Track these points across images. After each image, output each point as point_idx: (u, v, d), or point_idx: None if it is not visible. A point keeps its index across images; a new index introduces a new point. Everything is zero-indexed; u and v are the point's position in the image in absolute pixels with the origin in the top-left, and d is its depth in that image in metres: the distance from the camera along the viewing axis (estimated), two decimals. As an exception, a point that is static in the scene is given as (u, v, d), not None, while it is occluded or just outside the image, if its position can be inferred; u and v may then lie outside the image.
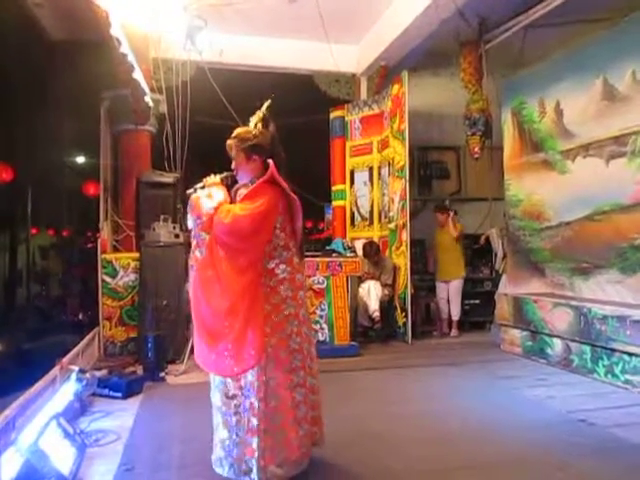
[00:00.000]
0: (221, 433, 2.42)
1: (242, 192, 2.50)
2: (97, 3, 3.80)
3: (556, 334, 4.71)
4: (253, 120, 2.59)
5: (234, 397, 2.37)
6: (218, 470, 2.43)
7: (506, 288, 6.09)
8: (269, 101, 2.64)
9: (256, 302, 2.33)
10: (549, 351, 4.80)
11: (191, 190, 2.54)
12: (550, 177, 5.19)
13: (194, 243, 2.48)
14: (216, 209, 2.37)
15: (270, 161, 2.45)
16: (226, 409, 2.40)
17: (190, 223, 2.47)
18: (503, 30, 6.00)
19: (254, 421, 2.31)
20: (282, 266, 2.44)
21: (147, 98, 5.35)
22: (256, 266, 2.37)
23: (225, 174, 2.57)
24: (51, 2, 5.61)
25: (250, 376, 2.33)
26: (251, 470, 2.31)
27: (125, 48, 4.33)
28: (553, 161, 5.15)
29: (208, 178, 2.55)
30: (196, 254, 2.46)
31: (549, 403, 3.63)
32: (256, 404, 2.32)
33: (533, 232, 5.46)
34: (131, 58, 4.57)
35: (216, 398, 2.47)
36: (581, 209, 4.80)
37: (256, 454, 2.29)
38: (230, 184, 2.58)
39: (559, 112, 5.04)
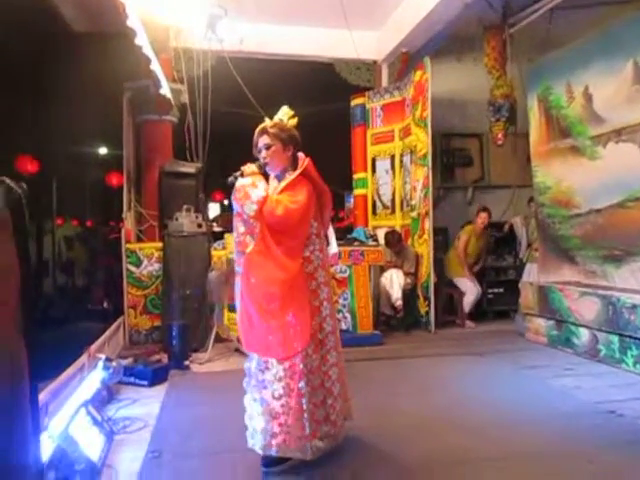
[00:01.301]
0: (265, 417, 2.45)
1: (273, 184, 2.58)
2: (116, -6, 3.80)
3: (583, 323, 4.64)
4: (284, 115, 2.64)
5: (280, 379, 2.44)
6: (268, 452, 2.44)
7: (531, 276, 6.01)
8: (286, 107, 2.69)
9: (304, 286, 2.51)
10: (575, 341, 4.72)
11: (231, 178, 2.57)
12: (579, 163, 5.08)
13: (242, 229, 2.52)
14: (265, 198, 2.44)
15: (302, 154, 2.58)
16: (272, 392, 2.44)
17: (237, 208, 2.52)
18: (528, 13, 5.86)
19: (302, 401, 2.42)
20: (316, 253, 2.59)
21: (163, 90, 5.34)
22: (302, 253, 2.53)
23: (258, 163, 2.59)
24: (73, -7, 5.65)
25: (295, 358, 2.44)
26: (303, 447, 2.42)
27: (141, 40, 4.32)
28: (582, 147, 5.03)
29: (246, 167, 2.58)
30: (246, 239, 2.51)
31: (577, 393, 3.58)
32: (301, 384, 2.42)
33: (562, 219, 5.35)
34: (147, 50, 4.55)
35: (270, 381, 2.47)
36: (612, 195, 4.68)
37: (307, 431, 2.42)
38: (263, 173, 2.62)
39: (588, 97, 4.91)
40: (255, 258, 2.46)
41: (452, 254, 6.47)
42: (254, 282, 2.47)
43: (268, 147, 2.56)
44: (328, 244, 2.82)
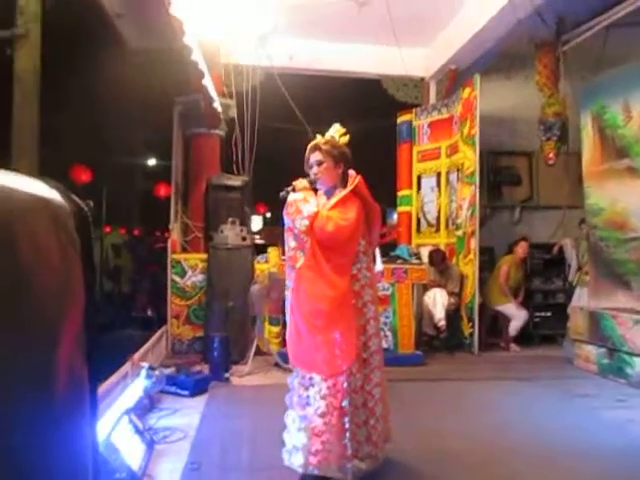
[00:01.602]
0: (307, 434, 2.43)
1: (321, 200, 2.60)
2: (173, 13, 3.91)
3: (637, 353, 4.42)
4: (335, 132, 2.68)
5: (324, 397, 2.42)
6: (308, 471, 2.41)
7: (581, 301, 5.79)
8: (338, 125, 2.72)
9: (352, 304, 2.51)
10: (629, 370, 4.50)
11: (283, 193, 2.59)
12: (636, 185, 4.87)
13: (293, 244, 2.54)
14: (316, 214, 2.46)
15: (353, 172, 2.60)
16: (315, 409, 2.43)
17: (289, 223, 2.55)
18: (583, 30, 5.73)
19: (345, 420, 2.40)
20: (364, 271, 2.59)
21: (216, 104, 5.47)
22: (350, 270, 2.53)
23: (309, 179, 2.62)
24: (131, 12, 5.86)
25: (339, 376, 2.42)
26: (343, 467, 2.39)
27: (196, 55, 4.44)
28: (639, 168, 4.84)
29: (297, 182, 2.60)
30: (297, 254, 2.53)
31: (630, 427, 3.40)
32: (345, 403, 2.41)
33: (617, 242, 5.14)
34: (202, 65, 4.68)
35: (314, 398, 2.46)
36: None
37: (348, 451, 2.39)
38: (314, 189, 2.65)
39: (646, 117, 4.74)
40: (305, 273, 2.48)
41: (493, 284, 6.28)
42: (303, 297, 2.48)
43: (320, 163, 2.59)
44: (374, 261, 2.81)
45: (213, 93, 5.27)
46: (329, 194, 2.64)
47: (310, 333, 2.46)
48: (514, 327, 6.12)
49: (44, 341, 0.66)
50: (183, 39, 3.99)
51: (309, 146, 2.64)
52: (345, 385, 2.41)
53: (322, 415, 2.40)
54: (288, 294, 2.59)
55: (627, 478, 2.65)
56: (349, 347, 2.43)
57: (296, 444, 2.46)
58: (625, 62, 5.11)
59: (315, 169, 2.60)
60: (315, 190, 2.64)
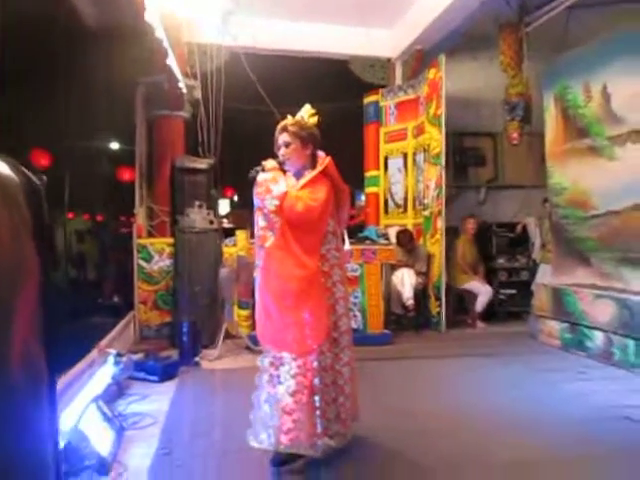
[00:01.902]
0: (278, 413, 2.44)
1: (291, 182, 2.59)
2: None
3: (597, 326, 4.57)
4: (305, 113, 2.68)
5: (294, 376, 2.44)
6: (280, 448, 2.43)
7: (544, 278, 5.94)
8: (308, 106, 2.72)
9: (321, 284, 2.53)
10: (589, 344, 4.66)
11: (253, 172, 2.58)
12: (597, 164, 4.99)
13: (262, 223, 2.55)
14: (285, 194, 2.46)
15: (323, 153, 2.62)
16: (286, 388, 2.44)
17: (258, 203, 2.55)
18: (545, 11, 5.80)
19: (315, 398, 2.43)
20: (332, 252, 2.61)
21: (181, 84, 5.34)
22: (319, 250, 2.55)
23: (279, 160, 2.61)
24: (88, -12, 5.65)
25: (309, 355, 2.45)
26: (314, 445, 2.41)
27: (160, 33, 4.32)
28: (600, 147, 4.95)
29: (267, 162, 2.60)
30: (266, 234, 2.53)
31: (591, 398, 3.52)
32: (316, 381, 2.44)
33: (578, 221, 5.27)
34: (166, 43, 4.56)
35: (284, 377, 2.47)
36: (631, 197, 4.59)
37: (318, 429, 2.43)
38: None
39: (606, 96, 4.83)
40: (274, 252, 2.49)
41: (453, 265, 6.38)
42: (272, 276, 2.49)
43: (287, 145, 2.59)
44: (343, 242, 2.83)
45: (177, 73, 5.14)
46: (298, 175, 2.64)
47: (279, 312, 2.47)
48: (480, 302, 6.24)
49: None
50: (145, 16, 3.86)
51: (278, 127, 2.63)
52: (315, 364, 2.44)
53: (293, 394, 2.42)
54: (257, 274, 2.59)
55: (588, 444, 2.74)
56: (319, 326, 2.45)
57: (266, 422, 2.47)
58: (586, 43, 5.20)
59: (283, 150, 2.59)
60: (284, 171, 2.63)
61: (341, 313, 2.62)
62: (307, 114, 2.69)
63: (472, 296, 6.34)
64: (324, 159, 2.61)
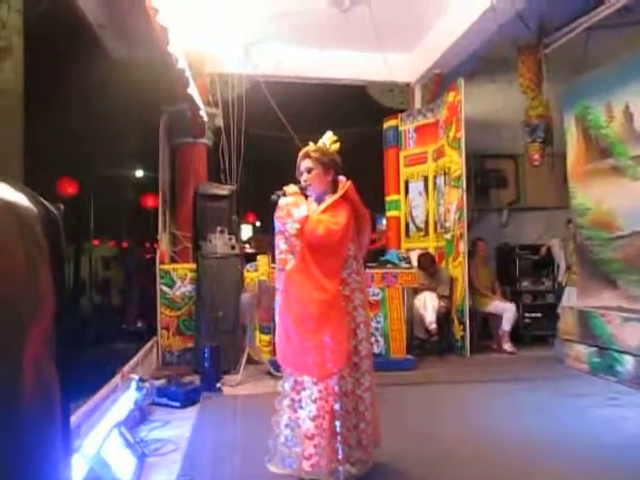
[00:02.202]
0: (300, 439, 2.44)
1: (312, 207, 2.62)
2: (157, 22, 3.91)
3: (627, 350, 4.44)
4: (327, 140, 2.73)
5: (315, 400, 2.43)
6: (302, 475, 2.42)
7: (570, 301, 5.83)
8: (330, 133, 2.78)
9: (342, 308, 2.53)
10: (619, 368, 4.53)
11: (274, 196, 2.64)
12: (621, 184, 4.92)
13: (283, 247, 2.58)
14: (307, 217, 2.50)
15: (343, 178, 2.65)
16: (308, 413, 2.44)
17: (279, 226, 2.59)
18: (564, 33, 5.80)
19: (336, 424, 2.41)
20: (353, 276, 2.61)
21: (202, 112, 5.46)
22: (340, 274, 2.56)
23: (300, 185, 2.67)
24: (114, 23, 5.85)
25: (330, 380, 2.44)
26: (335, 471, 2.39)
27: (182, 64, 4.44)
28: (624, 167, 4.88)
29: (288, 187, 2.65)
30: (287, 257, 2.57)
31: (622, 424, 3.41)
32: (337, 407, 2.42)
33: (603, 242, 5.18)
34: (188, 73, 4.68)
35: (305, 401, 2.47)
36: (657, 218, 4.52)
37: (339, 455, 2.41)
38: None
39: (629, 116, 4.78)
40: (295, 276, 2.51)
41: (473, 289, 6.28)
42: (293, 299, 2.50)
43: (309, 170, 2.64)
44: (364, 267, 2.87)
45: (199, 101, 5.26)
46: (319, 200, 2.68)
47: (299, 336, 2.47)
48: (507, 320, 6.09)
49: (7, 348, 0.65)
50: (167, 47, 3.98)
51: (300, 153, 2.70)
52: (336, 389, 2.43)
53: (314, 418, 2.41)
54: (277, 297, 2.61)
55: (621, 474, 2.65)
56: (340, 350, 2.44)
57: (288, 447, 2.46)
58: (606, 63, 5.17)
59: (305, 176, 2.65)
60: (306, 196, 2.67)
61: (362, 337, 2.60)
62: (329, 141, 2.74)
63: (496, 319, 6.22)
64: (345, 183, 2.64)
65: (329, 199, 2.62)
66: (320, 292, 2.47)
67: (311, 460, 2.39)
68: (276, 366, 4.79)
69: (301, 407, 2.46)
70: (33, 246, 0.72)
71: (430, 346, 5.88)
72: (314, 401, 2.42)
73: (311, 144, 2.75)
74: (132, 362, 4.28)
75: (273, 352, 5.24)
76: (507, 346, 6.08)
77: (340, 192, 2.60)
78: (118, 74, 6.70)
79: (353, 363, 2.54)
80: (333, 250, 2.53)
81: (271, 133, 7.25)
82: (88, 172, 11.36)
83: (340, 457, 2.40)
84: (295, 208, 2.53)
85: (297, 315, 2.49)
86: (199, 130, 6.04)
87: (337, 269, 2.55)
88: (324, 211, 2.57)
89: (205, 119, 5.74)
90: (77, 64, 7.16)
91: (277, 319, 2.61)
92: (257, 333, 5.25)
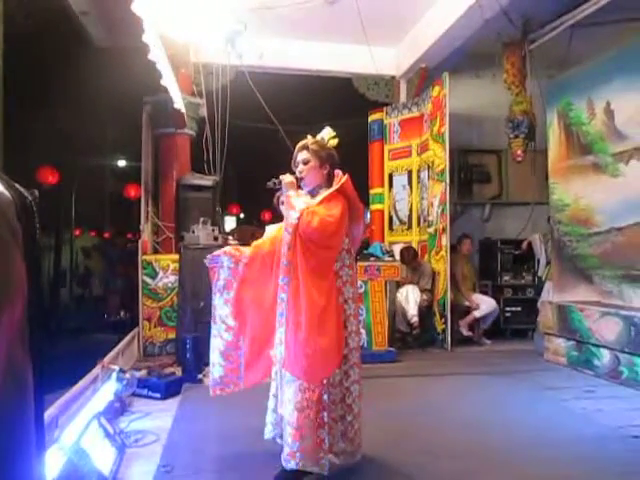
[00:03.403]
0: (296, 427, 2.44)
1: (305, 199, 2.60)
2: (134, 10, 3.84)
3: (604, 344, 4.52)
4: (326, 134, 2.74)
5: (304, 390, 2.44)
6: (291, 464, 2.43)
7: (550, 295, 5.91)
8: (329, 128, 2.78)
9: (336, 301, 2.52)
10: (596, 362, 4.61)
11: (270, 183, 2.67)
12: (600, 181, 4.99)
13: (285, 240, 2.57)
14: (306, 209, 2.50)
15: (339, 171, 2.64)
16: (300, 404, 2.44)
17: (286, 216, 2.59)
18: (548, 30, 5.85)
19: (323, 414, 2.43)
20: (345, 269, 2.61)
21: (177, 105, 5.33)
22: (332, 267, 2.55)
23: (295, 175, 2.67)
24: (96, 10, 5.75)
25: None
26: (319, 461, 2.40)
27: (155, 55, 4.34)
28: (604, 164, 4.95)
29: (284, 176, 2.65)
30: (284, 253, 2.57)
31: (599, 417, 3.48)
32: (325, 397, 2.44)
33: (580, 238, 5.26)
34: (161, 65, 4.57)
35: (295, 393, 2.47)
36: (634, 214, 4.58)
37: (325, 446, 2.42)
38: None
39: (610, 113, 4.85)
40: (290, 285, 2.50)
41: (454, 286, 6.34)
42: (290, 306, 2.49)
43: (306, 162, 2.65)
44: (356, 260, 2.87)
45: (174, 93, 5.16)
46: (313, 194, 2.67)
47: (295, 341, 2.45)
48: (483, 311, 6.20)
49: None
50: (142, 37, 3.90)
51: (298, 145, 2.70)
52: (324, 380, 2.45)
53: (301, 409, 2.42)
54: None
55: (596, 464, 2.70)
56: (331, 357, 2.46)
57: (285, 435, 2.48)
58: (589, 60, 5.23)
59: (301, 167, 2.65)
60: (299, 188, 2.68)
61: (351, 330, 2.60)
62: (328, 136, 2.74)
63: (475, 308, 6.31)
64: (341, 177, 2.63)
65: (325, 192, 2.60)
66: (320, 287, 2.46)
67: (298, 450, 2.40)
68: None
69: (289, 399, 2.47)
70: (5, 231, 0.71)
71: (412, 339, 5.93)
72: (302, 391, 2.43)
73: (309, 137, 2.74)
74: (113, 353, 4.25)
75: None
76: (484, 340, 6.24)
77: (336, 185, 2.58)
78: (101, 62, 6.61)
79: (342, 355, 2.55)
80: (328, 242, 2.53)
81: (256, 124, 7.22)
82: (69, 161, 11.20)
83: (325, 447, 2.42)
84: (296, 199, 2.55)
85: (292, 321, 2.48)
86: (178, 121, 5.96)
87: (331, 262, 2.55)
88: (319, 203, 2.55)
89: (182, 110, 5.65)
90: (59, 51, 7.04)
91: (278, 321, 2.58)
92: (239, 325, 5.24)
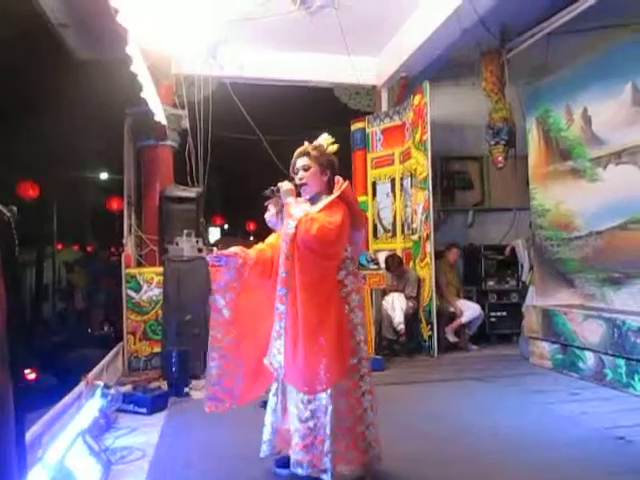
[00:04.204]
0: (301, 437, 2.45)
1: (304, 207, 2.55)
2: (118, 22, 3.83)
3: (588, 347, 4.57)
4: (325, 141, 2.68)
5: (310, 402, 2.42)
6: (298, 471, 2.44)
7: (534, 300, 5.96)
8: (326, 134, 2.75)
9: (338, 312, 2.46)
10: (581, 365, 4.66)
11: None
12: (579, 185, 5.08)
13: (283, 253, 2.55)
14: (305, 216, 2.45)
15: (340, 178, 2.58)
16: (304, 415, 2.43)
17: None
18: (525, 38, 5.93)
19: (328, 425, 2.38)
20: (350, 277, 2.54)
21: (157, 117, 5.30)
22: (335, 276, 2.49)
23: (294, 182, 2.60)
24: (76, 23, 5.72)
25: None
26: (326, 470, 2.37)
27: (137, 67, 4.32)
28: (582, 169, 5.04)
29: (282, 184, 2.59)
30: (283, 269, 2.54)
31: (584, 419, 3.51)
32: (330, 408, 2.39)
33: (561, 242, 5.33)
34: (142, 77, 4.55)
35: (296, 405, 2.48)
36: (613, 218, 4.67)
37: (330, 455, 2.37)
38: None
39: (587, 119, 4.94)
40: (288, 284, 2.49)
41: (440, 293, 6.38)
42: (289, 318, 2.47)
43: (306, 169, 2.58)
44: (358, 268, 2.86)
45: (154, 106, 5.14)
46: (313, 201, 2.60)
47: (293, 354, 2.44)
48: (468, 317, 6.25)
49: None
50: (125, 49, 3.89)
51: (297, 151, 2.64)
52: (329, 391, 2.40)
53: (305, 420, 2.41)
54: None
55: (582, 466, 2.72)
56: (333, 367, 2.40)
57: (294, 443, 2.47)
58: (566, 67, 5.32)
59: (301, 174, 2.59)
60: (298, 195, 2.62)
61: (359, 339, 2.53)
62: (326, 142, 2.68)
63: (460, 314, 6.35)
64: (342, 184, 2.56)
65: (325, 199, 2.54)
66: (319, 293, 2.43)
67: (304, 458, 2.40)
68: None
69: (296, 406, 2.46)
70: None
71: (399, 347, 5.93)
72: (308, 402, 2.42)
73: (306, 143, 2.68)
74: (97, 368, 4.19)
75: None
76: (470, 346, 6.31)
77: (337, 192, 2.52)
78: (82, 74, 6.56)
79: (351, 365, 2.48)
80: (328, 251, 2.46)
81: (239, 135, 7.21)
82: (50, 175, 11.09)
83: (331, 458, 2.37)
84: (294, 207, 2.50)
85: (291, 329, 2.45)
86: (160, 133, 5.93)
87: (332, 271, 2.49)
88: (320, 211, 2.49)
89: (163, 122, 5.63)
90: (38, 64, 6.98)
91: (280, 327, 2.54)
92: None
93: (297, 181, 2.59)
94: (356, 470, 2.50)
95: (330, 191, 2.58)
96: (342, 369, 2.44)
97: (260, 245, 2.79)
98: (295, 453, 2.44)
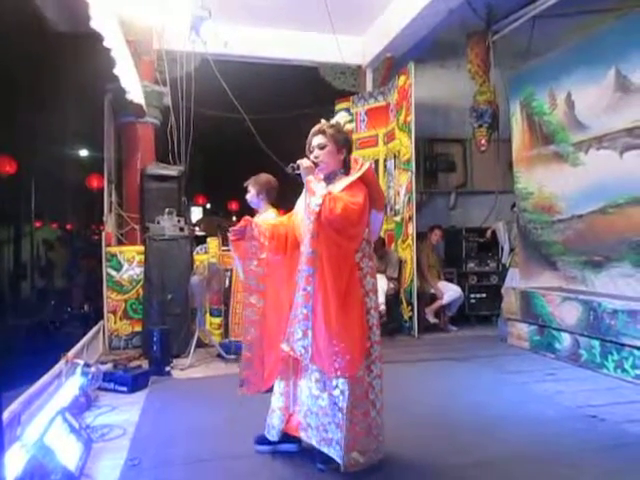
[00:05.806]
0: (316, 422, 2.47)
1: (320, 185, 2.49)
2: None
3: (564, 328, 4.67)
4: (342, 119, 2.64)
5: (328, 386, 2.43)
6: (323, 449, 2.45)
7: (513, 282, 6.05)
8: (344, 112, 2.69)
9: (358, 294, 2.44)
10: (557, 345, 4.75)
11: (289, 168, 2.54)
12: (562, 169, 5.13)
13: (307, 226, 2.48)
14: (329, 194, 2.40)
15: (360, 158, 2.55)
16: (321, 401, 2.44)
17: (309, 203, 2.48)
18: (511, 20, 5.93)
19: (344, 409, 2.38)
20: (366, 260, 2.51)
21: (131, 95, 5.17)
22: (354, 258, 2.45)
23: (312, 159, 2.54)
24: (54, -7, 5.56)
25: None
26: (341, 457, 2.37)
27: (110, 42, 4.20)
28: (565, 153, 5.08)
29: (302, 161, 2.52)
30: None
31: (558, 398, 3.59)
32: (346, 393, 2.38)
33: (544, 225, 5.40)
34: (115, 53, 4.42)
35: (312, 389, 2.49)
36: (594, 202, 4.74)
37: (343, 442, 2.36)
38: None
39: (570, 104, 4.97)
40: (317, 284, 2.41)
41: (421, 274, 6.44)
42: (318, 300, 2.40)
43: (322, 147, 2.52)
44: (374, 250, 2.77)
45: (128, 83, 5.00)
46: (329, 180, 2.55)
47: (316, 337, 2.40)
48: (449, 298, 6.32)
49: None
50: (90, 24, 3.75)
51: (313, 129, 2.58)
52: (347, 374, 2.39)
53: (323, 407, 2.43)
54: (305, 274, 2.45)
55: (556, 443, 2.80)
56: (361, 348, 2.41)
57: (311, 423, 2.49)
58: (551, 51, 5.33)
59: (317, 152, 2.52)
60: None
61: (372, 324, 2.50)
62: (343, 120, 2.64)
63: (441, 296, 6.42)
64: (362, 164, 2.52)
65: (345, 179, 2.49)
66: (341, 284, 2.37)
67: (320, 440, 2.43)
68: (226, 349, 4.78)
69: (311, 391, 2.47)
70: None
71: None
72: (324, 388, 2.42)
73: (323, 121, 2.62)
74: (77, 347, 4.17)
75: (223, 335, 5.22)
76: (449, 327, 6.41)
77: (359, 172, 2.47)
78: (60, 48, 6.39)
79: (364, 349, 2.46)
80: (351, 231, 2.41)
81: (222, 113, 7.11)
82: (28, 150, 10.85)
83: (347, 443, 2.37)
84: (316, 184, 2.45)
85: (322, 310, 2.38)
86: (136, 110, 5.81)
87: (352, 253, 2.45)
88: (342, 190, 2.44)
89: (139, 100, 5.49)
90: (15, 35, 6.78)
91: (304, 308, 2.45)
92: (207, 316, 5.20)
93: (312, 159, 2.52)
94: (370, 457, 2.48)
95: (346, 170, 2.54)
96: (364, 351, 2.44)
97: (272, 220, 2.77)
98: (314, 436, 2.46)
